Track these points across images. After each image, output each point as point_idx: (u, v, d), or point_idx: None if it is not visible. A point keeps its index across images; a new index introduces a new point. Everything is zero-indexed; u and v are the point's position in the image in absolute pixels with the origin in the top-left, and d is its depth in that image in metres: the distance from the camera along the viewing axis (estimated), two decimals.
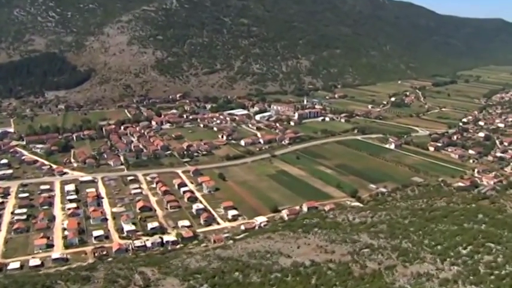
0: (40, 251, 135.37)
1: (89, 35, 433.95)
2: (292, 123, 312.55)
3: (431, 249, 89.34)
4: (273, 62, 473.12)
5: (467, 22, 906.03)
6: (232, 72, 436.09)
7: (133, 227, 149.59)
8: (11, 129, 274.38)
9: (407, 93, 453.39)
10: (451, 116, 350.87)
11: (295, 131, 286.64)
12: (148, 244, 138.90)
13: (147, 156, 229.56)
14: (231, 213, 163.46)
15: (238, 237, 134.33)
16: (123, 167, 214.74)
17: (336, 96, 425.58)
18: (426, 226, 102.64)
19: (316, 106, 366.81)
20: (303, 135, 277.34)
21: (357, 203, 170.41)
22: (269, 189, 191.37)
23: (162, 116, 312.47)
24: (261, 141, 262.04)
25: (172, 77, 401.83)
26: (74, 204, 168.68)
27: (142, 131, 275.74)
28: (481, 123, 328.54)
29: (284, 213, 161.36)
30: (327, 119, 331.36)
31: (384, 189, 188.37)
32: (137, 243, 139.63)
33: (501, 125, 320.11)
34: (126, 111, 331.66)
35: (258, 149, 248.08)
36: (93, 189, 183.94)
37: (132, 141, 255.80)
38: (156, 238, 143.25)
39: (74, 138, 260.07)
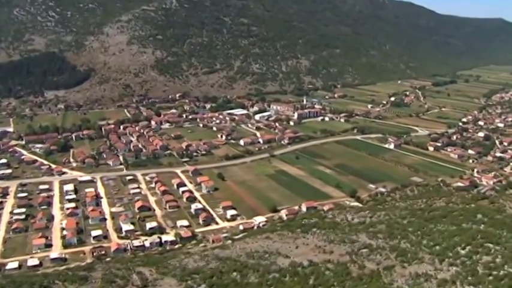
0: (38, 250, 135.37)
1: (89, 35, 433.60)
2: (291, 123, 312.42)
3: (430, 250, 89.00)
4: (273, 62, 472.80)
5: (467, 22, 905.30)
6: (232, 72, 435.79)
7: (132, 227, 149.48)
8: (11, 129, 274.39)
9: (407, 93, 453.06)
10: (451, 116, 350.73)
11: (295, 130, 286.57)
12: (147, 244, 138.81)
13: (146, 156, 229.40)
14: (230, 213, 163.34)
15: (236, 237, 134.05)
16: (122, 166, 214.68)
17: (336, 96, 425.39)
18: (425, 226, 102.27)
19: (315, 106, 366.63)
20: (303, 135, 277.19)
21: (356, 203, 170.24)
22: (268, 189, 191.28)
23: (162, 116, 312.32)
24: (260, 141, 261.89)
25: (171, 76, 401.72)
26: (73, 204, 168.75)
27: (142, 131, 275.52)
28: (481, 123, 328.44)
29: (283, 213, 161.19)
30: (327, 118, 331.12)
31: (383, 189, 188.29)
32: (136, 243, 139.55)
33: (501, 125, 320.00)
34: (125, 111, 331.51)
35: (257, 149, 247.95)
36: (92, 189, 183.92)
37: (132, 141, 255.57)
38: (155, 238, 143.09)
39: (73, 138, 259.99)
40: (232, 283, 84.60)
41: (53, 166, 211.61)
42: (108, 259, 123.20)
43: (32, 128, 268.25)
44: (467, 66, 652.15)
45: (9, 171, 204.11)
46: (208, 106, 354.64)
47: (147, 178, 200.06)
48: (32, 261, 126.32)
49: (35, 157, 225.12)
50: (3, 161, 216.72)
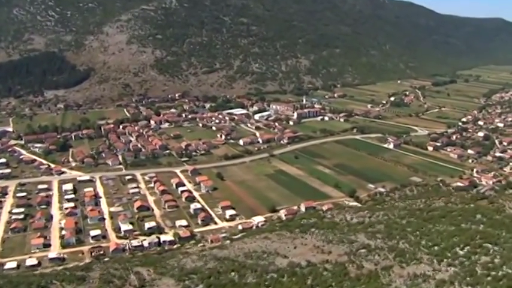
0: (37, 250, 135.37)
1: (88, 34, 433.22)
2: (291, 123, 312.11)
3: (428, 250, 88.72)
4: (273, 61, 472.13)
5: (467, 21, 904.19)
6: (232, 71, 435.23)
7: (130, 227, 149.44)
8: (10, 128, 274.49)
9: (407, 92, 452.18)
10: (451, 116, 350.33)
11: (294, 130, 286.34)
12: (146, 244, 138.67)
13: (145, 155, 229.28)
14: (229, 213, 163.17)
15: (235, 237, 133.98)
16: (121, 166, 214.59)
17: (335, 95, 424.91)
18: (424, 226, 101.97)
19: (315, 105, 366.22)
20: (302, 134, 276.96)
21: (355, 203, 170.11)
22: (267, 188, 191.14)
23: (161, 115, 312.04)
24: (260, 140, 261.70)
25: (171, 76, 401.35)
26: (72, 204, 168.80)
27: (141, 131, 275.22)
28: (481, 122, 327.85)
29: (282, 213, 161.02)
30: (326, 118, 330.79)
31: (382, 189, 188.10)
32: (134, 243, 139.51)
33: (500, 125, 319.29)
34: (125, 110, 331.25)
35: (256, 149, 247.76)
36: (91, 189, 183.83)
37: (131, 141, 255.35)
38: (153, 238, 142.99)
39: (73, 137, 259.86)
40: (230, 283, 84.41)
41: (52, 166, 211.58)
42: (106, 259, 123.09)
43: (31, 128, 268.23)
44: (467, 66, 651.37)
45: (8, 170, 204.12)
46: (207, 106, 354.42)
47: (146, 178, 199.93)
48: (31, 261, 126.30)
49: (34, 157, 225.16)
50: (3, 160, 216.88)
